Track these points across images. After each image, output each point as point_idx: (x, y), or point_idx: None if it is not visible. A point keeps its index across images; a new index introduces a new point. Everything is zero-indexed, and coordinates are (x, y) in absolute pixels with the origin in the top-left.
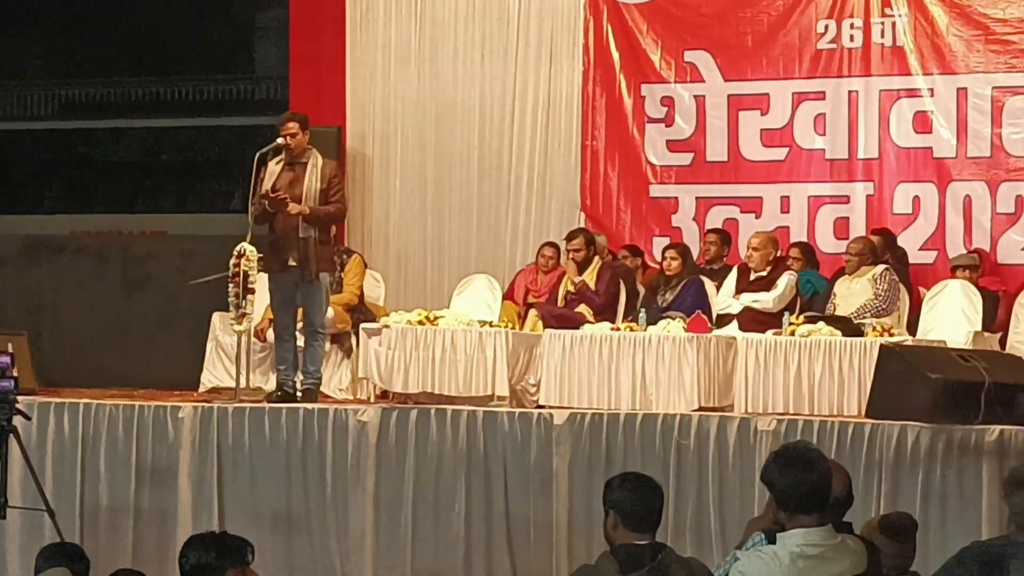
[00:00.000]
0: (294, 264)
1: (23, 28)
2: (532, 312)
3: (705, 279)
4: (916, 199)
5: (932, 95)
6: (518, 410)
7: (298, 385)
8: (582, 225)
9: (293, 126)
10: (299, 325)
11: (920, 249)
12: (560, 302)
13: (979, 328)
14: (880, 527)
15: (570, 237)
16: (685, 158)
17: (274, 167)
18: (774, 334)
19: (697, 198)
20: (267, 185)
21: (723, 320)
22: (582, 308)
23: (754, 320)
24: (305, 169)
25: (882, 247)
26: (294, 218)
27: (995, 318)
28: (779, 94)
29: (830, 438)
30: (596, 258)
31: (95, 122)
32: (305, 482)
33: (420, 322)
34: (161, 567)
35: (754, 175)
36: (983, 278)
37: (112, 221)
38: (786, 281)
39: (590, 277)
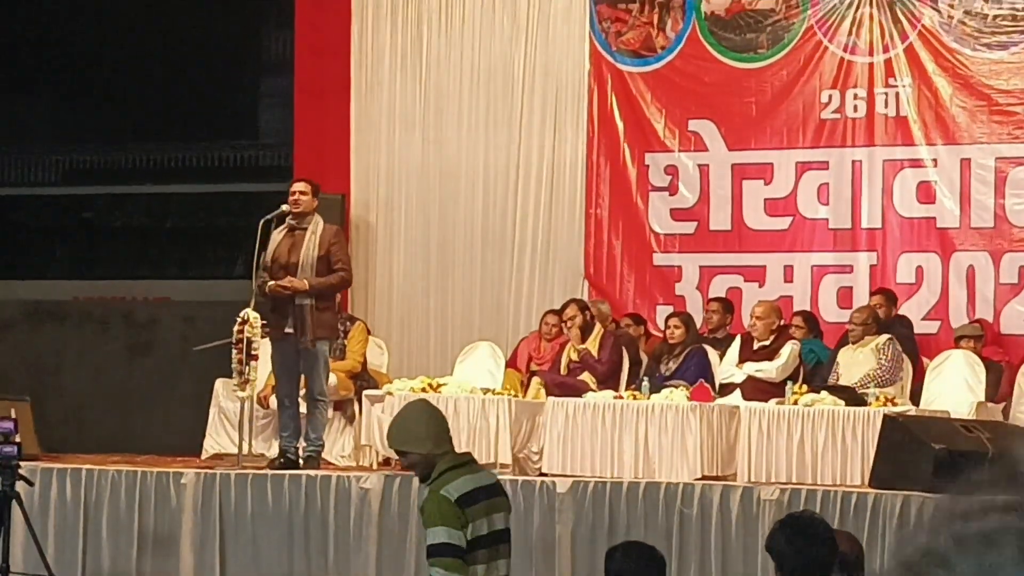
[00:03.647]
0: (291, 331)
1: (27, 94)
2: (535, 380)
3: (708, 348)
4: (919, 269)
5: (935, 165)
6: (521, 478)
7: (300, 452)
8: (586, 293)
9: (302, 186)
10: (302, 392)
11: (923, 319)
12: (563, 370)
13: (982, 398)
14: None
15: (562, 309)
16: (689, 227)
17: (276, 235)
18: (777, 403)
19: (701, 267)
20: (269, 254)
21: (726, 389)
22: (585, 376)
23: (757, 389)
24: (305, 235)
25: (884, 305)
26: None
27: (998, 389)
28: (783, 163)
29: (833, 508)
30: (598, 326)
31: (99, 188)
32: (307, 549)
33: (423, 389)
34: None
35: (758, 244)
36: (986, 348)
37: (116, 287)
38: (789, 350)
39: (593, 345)
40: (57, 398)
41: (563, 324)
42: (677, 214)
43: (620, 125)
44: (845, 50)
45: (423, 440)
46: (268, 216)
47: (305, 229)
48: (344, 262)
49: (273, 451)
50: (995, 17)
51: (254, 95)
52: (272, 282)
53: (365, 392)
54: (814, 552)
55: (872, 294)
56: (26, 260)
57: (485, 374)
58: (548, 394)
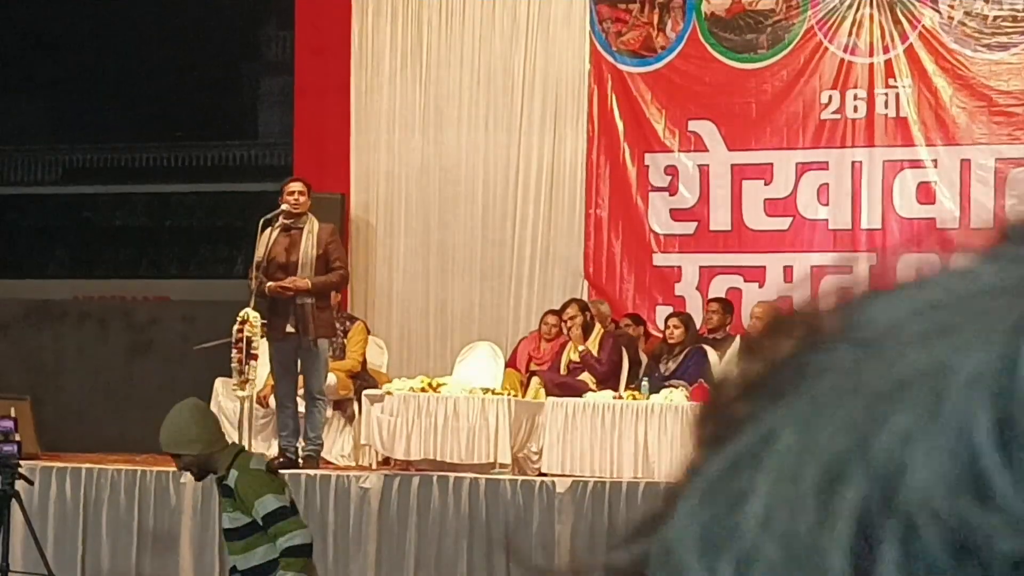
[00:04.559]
0: (292, 331)
1: (27, 94)
2: (535, 380)
3: (708, 348)
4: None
5: (935, 166)
6: (520, 478)
7: (300, 451)
8: (586, 293)
9: (300, 186)
10: (300, 391)
11: None
12: (563, 370)
13: None
14: None
15: (562, 309)
16: (688, 227)
17: (270, 234)
18: None
19: (700, 267)
20: (263, 253)
21: None
22: (585, 376)
23: None
24: (301, 234)
25: None
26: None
27: None
28: (783, 164)
29: None
30: (598, 326)
31: (99, 187)
32: None
33: (423, 389)
34: None
35: (757, 244)
36: None
37: (115, 286)
38: None
39: (592, 345)
40: (57, 397)
41: (563, 324)
42: (677, 214)
43: (620, 125)
44: (845, 51)
45: (194, 442)
46: (268, 215)
47: (301, 228)
48: (342, 260)
49: (272, 450)
50: (995, 18)
51: (254, 95)
52: (272, 283)
53: (365, 392)
54: None
55: None
56: (26, 260)
57: (485, 374)
58: (548, 394)
